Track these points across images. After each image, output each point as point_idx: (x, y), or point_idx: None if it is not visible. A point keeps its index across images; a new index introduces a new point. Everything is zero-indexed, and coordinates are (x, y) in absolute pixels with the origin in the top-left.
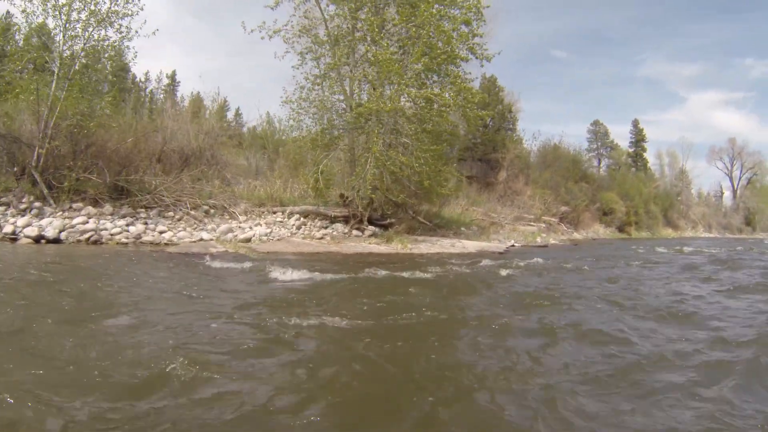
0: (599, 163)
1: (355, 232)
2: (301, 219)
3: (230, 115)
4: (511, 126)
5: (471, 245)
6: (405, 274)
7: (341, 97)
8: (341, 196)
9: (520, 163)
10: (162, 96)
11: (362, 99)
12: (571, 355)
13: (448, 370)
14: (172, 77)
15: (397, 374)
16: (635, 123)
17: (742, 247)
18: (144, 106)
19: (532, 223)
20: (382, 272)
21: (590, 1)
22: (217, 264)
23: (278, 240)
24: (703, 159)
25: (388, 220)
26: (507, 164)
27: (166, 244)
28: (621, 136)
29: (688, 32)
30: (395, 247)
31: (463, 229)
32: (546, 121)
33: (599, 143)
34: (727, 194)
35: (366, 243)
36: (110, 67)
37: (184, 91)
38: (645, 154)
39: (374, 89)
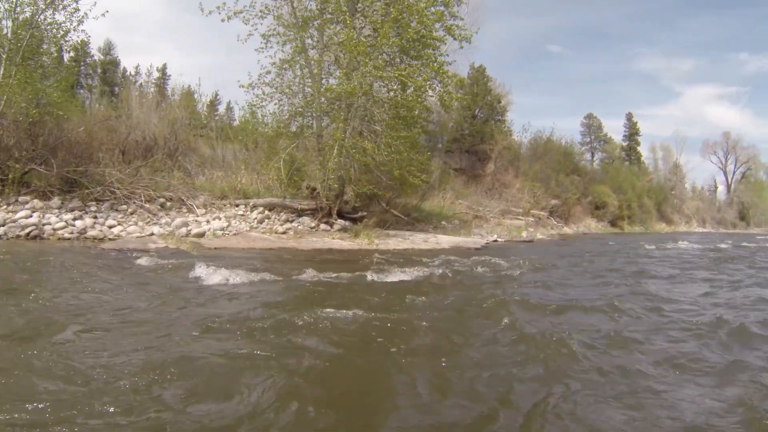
0: (592, 156)
1: (323, 226)
2: (266, 212)
3: (221, 108)
4: (500, 117)
5: (446, 240)
6: (351, 275)
7: (309, 82)
8: (308, 187)
9: (509, 155)
10: (153, 90)
11: (331, 84)
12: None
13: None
14: (163, 71)
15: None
16: (629, 116)
17: (738, 243)
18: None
19: (520, 217)
20: (326, 275)
21: None
22: (143, 262)
23: (234, 235)
24: (697, 153)
25: (360, 214)
26: (495, 156)
27: (111, 239)
28: (616, 130)
29: (683, 27)
30: (360, 242)
31: (444, 223)
32: (541, 116)
33: (592, 137)
34: (721, 189)
35: (330, 238)
36: (56, 52)
37: (176, 84)
38: (639, 148)
39: (344, 74)
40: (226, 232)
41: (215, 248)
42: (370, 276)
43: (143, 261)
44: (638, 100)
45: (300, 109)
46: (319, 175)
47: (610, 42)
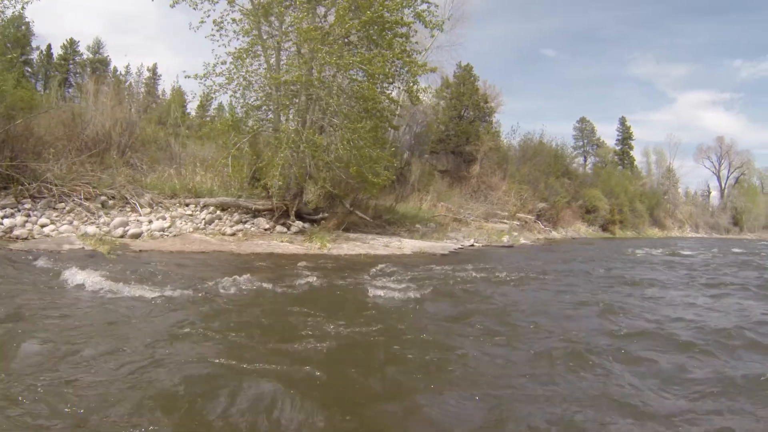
0: (585, 160)
1: (279, 228)
2: (217, 213)
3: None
4: (487, 117)
5: (411, 245)
6: (257, 287)
7: (264, 72)
8: (264, 186)
9: (496, 156)
10: (143, 90)
11: (280, 73)
12: None
13: None
14: (153, 70)
15: None
16: (622, 120)
17: (738, 249)
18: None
19: (505, 221)
20: (233, 284)
21: (581, 1)
22: (42, 263)
23: (174, 236)
24: (690, 158)
25: (321, 215)
26: (481, 157)
27: (24, 239)
28: (610, 135)
29: (678, 33)
30: (311, 246)
31: (419, 226)
32: (535, 120)
33: (585, 141)
34: (715, 194)
35: (279, 241)
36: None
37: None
38: (632, 152)
39: (303, 62)
40: (166, 233)
41: (140, 251)
42: (278, 287)
43: (41, 263)
44: (632, 105)
45: (257, 102)
46: (270, 171)
47: (604, 47)
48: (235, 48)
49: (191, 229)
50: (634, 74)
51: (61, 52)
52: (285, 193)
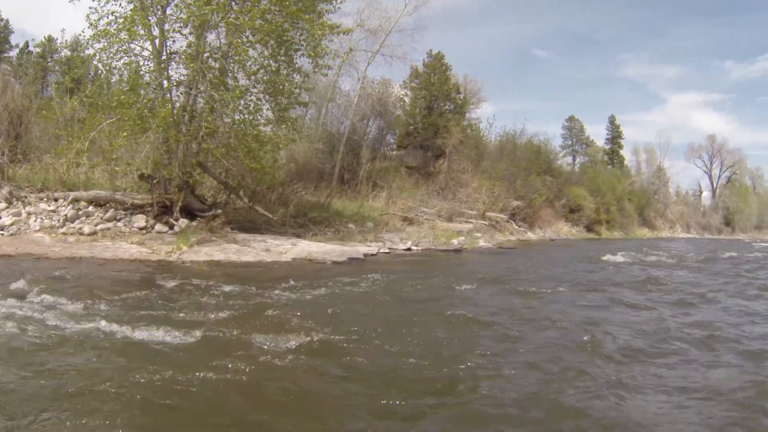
0: (574, 160)
1: (161, 226)
2: (89, 208)
3: None
4: (460, 109)
5: (301, 250)
6: None
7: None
8: (142, 177)
9: (470, 150)
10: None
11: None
12: None
13: None
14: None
15: None
16: (611, 119)
17: (731, 253)
18: None
19: (471, 220)
20: None
21: (573, 2)
22: None
23: (10, 235)
24: (681, 159)
25: (213, 212)
26: (450, 151)
27: None
28: (602, 137)
29: (670, 35)
30: (162, 249)
31: (351, 225)
32: (526, 121)
33: (574, 140)
34: (706, 194)
35: (129, 242)
36: None
37: None
38: (622, 152)
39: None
40: (5, 233)
41: None
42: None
43: None
44: (624, 106)
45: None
46: (157, 158)
47: (597, 48)
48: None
49: (38, 227)
50: (626, 75)
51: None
52: (167, 184)
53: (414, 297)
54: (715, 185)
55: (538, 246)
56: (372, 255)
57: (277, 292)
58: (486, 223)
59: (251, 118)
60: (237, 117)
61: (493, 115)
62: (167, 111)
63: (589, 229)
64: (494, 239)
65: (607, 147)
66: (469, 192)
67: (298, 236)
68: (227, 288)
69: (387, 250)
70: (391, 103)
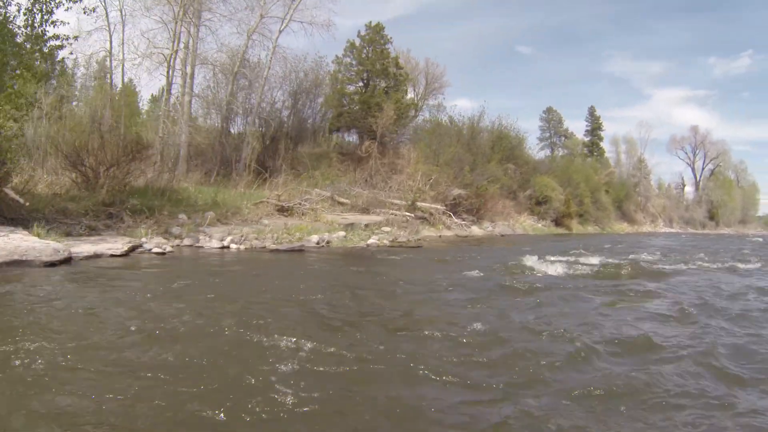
0: (552, 152)
1: None
2: None
3: None
4: (397, 86)
5: None
6: None
7: None
8: None
9: (411, 133)
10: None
11: None
12: None
13: None
14: (102, 63)
15: None
16: (591, 110)
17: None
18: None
19: (394, 212)
20: None
21: None
22: None
23: None
24: (663, 153)
25: None
26: (381, 132)
27: None
28: (583, 130)
29: (654, 30)
30: None
31: (182, 216)
32: (508, 116)
33: (552, 131)
34: (689, 188)
35: None
36: None
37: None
38: (602, 144)
39: None
40: None
41: None
42: None
43: None
44: (607, 102)
45: None
46: None
47: (580, 44)
48: None
49: None
50: (610, 71)
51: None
52: None
53: None
54: (698, 178)
55: (467, 244)
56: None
57: None
58: (412, 215)
59: None
60: None
61: (443, 96)
62: None
63: (557, 223)
64: (417, 234)
65: (586, 139)
66: (403, 179)
67: (93, 229)
68: None
69: (161, 249)
70: (321, 80)
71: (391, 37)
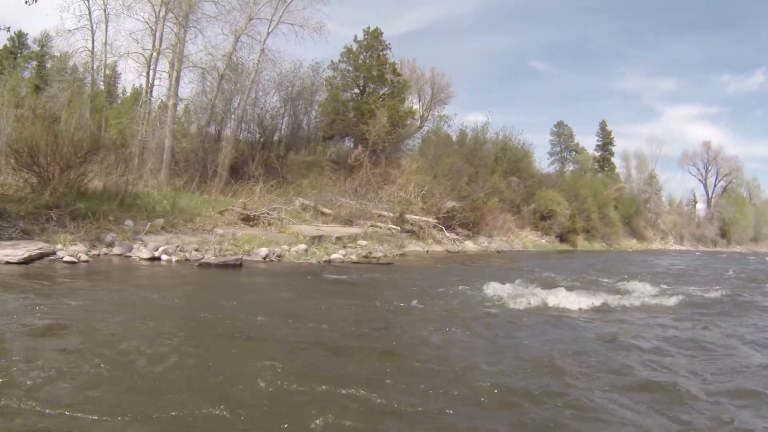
0: (562, 166)
1: None
2: None
3: None
4: (395, 93)
5: None
6: None
7: None
8: None
9: (412, 143)
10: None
11: None
12: None
13: None
14: (113, 68)
15: None
16: (602, 125)
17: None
18: None
19: (379, 225)
20: None
21: (570, 14)
22: None
23: None
24: (675, 169)
25: None
26: (373, 139)
27: None
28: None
29: (666, 47)
30: None
31: (129, 222)
32: (521, 132)
33: (563, 146)
34: (701, 205)
35: None
36: None
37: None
38: (612, 159)
39: None
40: None
41: None
42: None
43: None
44: (620, 118)
45: None
46: None
47: (593, 60)
48: None
49: None
50: (622, 88)
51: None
52: None
53: None
54: (710, 195)
55: (453, 261)
56: None
57: None
58: (397, 228)
59: None
60: None
61: (443, 106)
62: None
63: (562, 239)
64: (401, 249)
65: (597, 154)
66: (394, 190)
67: (26, 233)
68: None
69: (74, 258)
70: (318, 87)
71: (389, 44)
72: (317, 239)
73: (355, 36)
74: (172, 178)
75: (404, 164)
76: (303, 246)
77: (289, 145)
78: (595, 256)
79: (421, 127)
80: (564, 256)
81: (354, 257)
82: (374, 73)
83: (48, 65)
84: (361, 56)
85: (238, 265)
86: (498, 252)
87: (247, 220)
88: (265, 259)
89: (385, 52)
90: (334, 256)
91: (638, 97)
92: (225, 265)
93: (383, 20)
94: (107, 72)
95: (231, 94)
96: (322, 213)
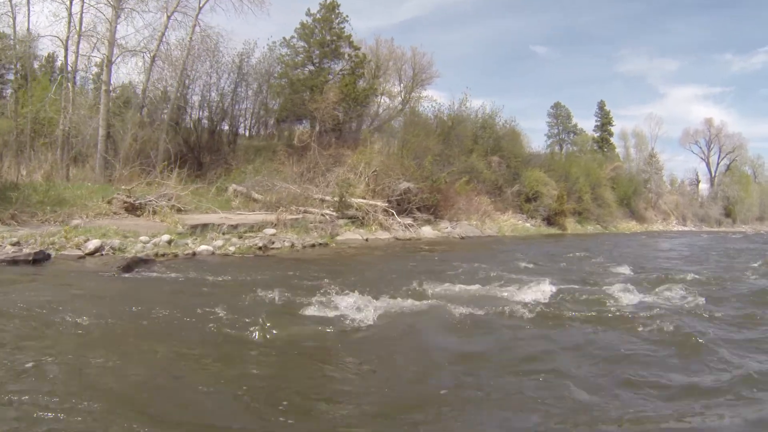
0: (561, 149)
1: None
2: None
3: None
4: (354, 69)
5: None
6: None
7: None
8: None
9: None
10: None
11: None
12: None
13: None
14: (101, 65)
15: None
16: (601, 105)
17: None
18: None
19: (313, 210)
20: None
21: None
22: None
23: None
24: (677, 149)
25: None
26: (321, 117)
27: None
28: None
29: (669, 28)
30: None
31: None
32: (525, 118)
33: (560, 127)
34: (704, 185)
35: None
36: None
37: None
38: (612, 140)
39: None
40: None
41: None
42: None
43: None
44: (622, 100)
45: None
46: None
47: (595, 43)
48: None
49: None
50: (625, 70)
51: None
52: None
53: None
54: (713, 173)
55: (391, 254)
56: None
57: None
58: (335, 213)
59: None
60: None
61: (408, 82)
62: None
63: (550, 222)
64: (333, 238)
65: (596, 135)
66: (342, 172)
67: None
68: None
69: None
70: (271, 67)
71: (347, 16)
72: (199, 228)
73: (308, 9)
74: (107, 168)
75: (340, 141)
76: (166, 237)
77: (236, 128)
78: (586, 239)
79: (402, 110)
80: (548, 241)
81: (232, 249)
82: (328, 48)
83: None
84: (316, 30)
85: (32, 261)
86: (462, 239)
87: (133, 209)
88: (93, 253)
89: (342, 25)
90: (201, 248)
91: (641, 78)
92: (14, 262)
93: (380, 8)
94: (29, 56)
95: (170, 78)
96: (253, 200)
